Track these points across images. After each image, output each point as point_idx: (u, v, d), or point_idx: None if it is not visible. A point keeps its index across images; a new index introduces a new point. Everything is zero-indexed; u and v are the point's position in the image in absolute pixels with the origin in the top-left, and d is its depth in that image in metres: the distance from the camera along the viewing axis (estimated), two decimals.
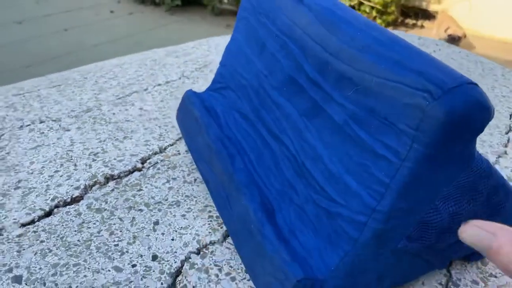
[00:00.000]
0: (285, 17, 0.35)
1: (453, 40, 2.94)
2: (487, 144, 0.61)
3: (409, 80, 0.24)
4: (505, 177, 0.56)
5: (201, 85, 0.74)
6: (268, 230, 0.30)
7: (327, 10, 0.31)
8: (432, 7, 3.52)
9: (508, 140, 0.63)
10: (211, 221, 0.42)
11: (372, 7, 3.02)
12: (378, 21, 3.12)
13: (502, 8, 3.21)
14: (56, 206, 0.43)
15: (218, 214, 0.43)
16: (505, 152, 0.60)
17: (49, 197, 0.44)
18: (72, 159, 0.50)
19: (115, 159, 0.50)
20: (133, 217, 0.42)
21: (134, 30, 2.81)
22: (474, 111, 0.22)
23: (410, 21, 3.60)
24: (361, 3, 3.02)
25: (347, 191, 0.27)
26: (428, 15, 3.56)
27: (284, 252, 0.29)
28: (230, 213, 0.35)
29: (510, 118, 0.69)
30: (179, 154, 0.52)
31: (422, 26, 3.49)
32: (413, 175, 0.24)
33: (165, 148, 0.54)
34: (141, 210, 0.43)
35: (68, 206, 0.43)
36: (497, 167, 0.57)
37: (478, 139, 0.66)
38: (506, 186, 0.30)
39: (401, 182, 0.24)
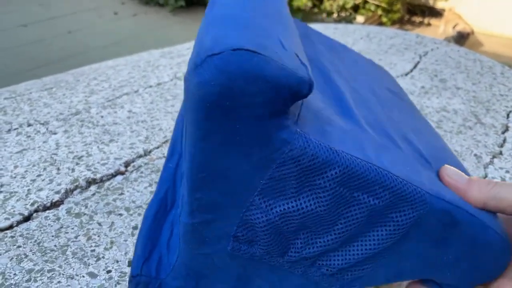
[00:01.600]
0: None
1: (462, 37, 2.90)
2: (482, 144, 0.60)
3: (200, 46, 0.20)
4: (499, 179, 0.55)
5: None
6: (145, 223, 0.30)
7: None
8: (439, 5, 3.48)
9: (504, 140, 0.62)
10: None
11: (378, 6, 2.99)
12: (384, 19, 3.09)
13: (511, 6, 3.16)
14: (36, 211, 0.43)
15: None
16: (500, 153, 0.59)
17: (29, 202, 0.43)
18: (55, 162, 0.50)
19: (98, 162, 0.50)
20: (112, 222, 0.41)
21: (138, 32, 2.82)
22: (237, 82, 0.18)
23: (416, 19, 3.56)
24: (366, 2, 2.99)
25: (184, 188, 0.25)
26: (435, 13, 3.51)
27: (140, 245, 0.28)
28: None
29: (507, 117, 0.68)
30: (164, 157, 0.52)
31: (428, 24, 3.45)
32: (195, 159, 0.21)
33: (150, 151, 0.53)
34: (121, 215, 0.42)
35: (47, 211, 0.43)
36: (491, 168, 0.55)
37: (471, 139, 0.65)
38: (393, 185, 0.21)
39: (187, 168, 0.21)
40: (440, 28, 3.01)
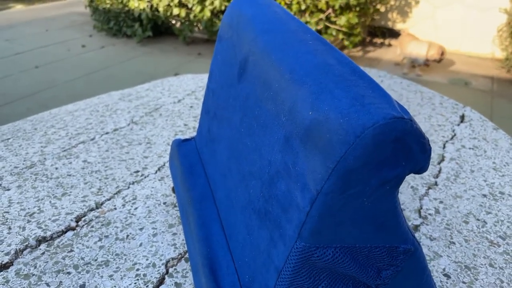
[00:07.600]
0: None
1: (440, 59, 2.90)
2: (418, 175, 0.64)
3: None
4: (432, 210, 0.59)
5: (148, 131, 0.76)
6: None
7: None
8: (397, 26, 3.64)
9: (440, 171, 0.66)
10: (138, 279, 0.43)
11: (339, 30, 3.11)
12: (346, 42, 3.21)
13: (465, 24, 3.34)
14: None
15: (145, 272, 0.44)
16: (435, 183, 0.63)
17: None
18: (7, 221, 0.51)
19: (49, 219, 0.51)
20: (60, 281, 0.43)
21: (106, 64, 2.83)
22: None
23: (378, 40, 3.71)
24: (327, 27, 3.11)
25: None
26: (394, 34, 3.68)
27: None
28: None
29: (443, 148, 0.73)
30: (115, 209, 0.54)
31: (389, 45, 3.60)
32: None
33: (101, 204, 0.55)
34: (69, 273, 0.44)
35: None
36: (426, 199, 0.59)
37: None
38: None
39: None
40: (397, 50, 3.14)
